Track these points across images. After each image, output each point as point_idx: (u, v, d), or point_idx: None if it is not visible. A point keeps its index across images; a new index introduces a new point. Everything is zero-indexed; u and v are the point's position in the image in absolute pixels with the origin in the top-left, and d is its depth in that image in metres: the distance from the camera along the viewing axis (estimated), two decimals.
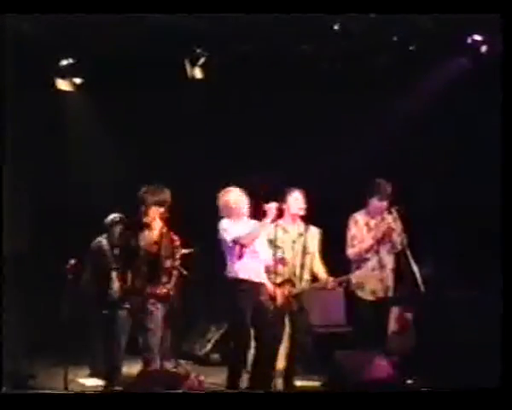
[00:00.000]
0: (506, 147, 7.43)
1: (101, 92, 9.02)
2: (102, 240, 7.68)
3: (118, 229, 7.52)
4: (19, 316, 7.33)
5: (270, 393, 6.71)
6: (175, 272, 8.08)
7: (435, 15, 7.57)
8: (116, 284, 6.88)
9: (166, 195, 6.78)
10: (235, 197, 6.91)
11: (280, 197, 7.10)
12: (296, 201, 7.22)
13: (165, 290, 6.74)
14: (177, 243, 6.89)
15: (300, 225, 7.32)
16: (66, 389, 6.90)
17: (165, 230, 6.80)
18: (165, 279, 6.77)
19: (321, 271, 7.30)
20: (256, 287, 6.84)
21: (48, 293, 8.17)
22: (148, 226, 6.76)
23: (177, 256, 6.87)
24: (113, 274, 6.90)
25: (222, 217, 6.92)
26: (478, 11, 6.63)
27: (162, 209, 6.76)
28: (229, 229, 6.82)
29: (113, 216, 7.66)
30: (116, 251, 6.84)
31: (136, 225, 6.79)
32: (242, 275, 6.80)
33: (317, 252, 7.37)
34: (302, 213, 7.26)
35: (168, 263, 6.79)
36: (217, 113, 9.33)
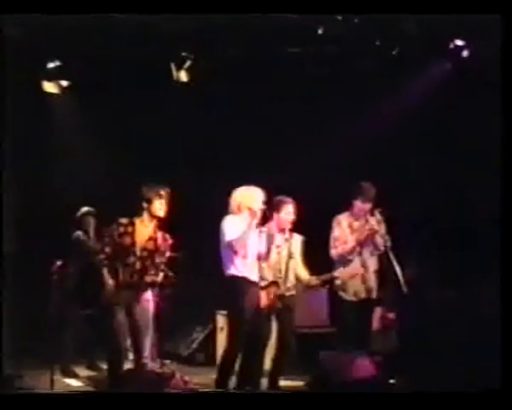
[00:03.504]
0: (489, 148, 7.51)
1: (87, 94, 9.05)
2: (79, 233, 7.99)
3: (91, 220, 7.90)
4: (5, 317, 7.31)
5: (256, 393, 6.74)
6: (161, 274, 8.23)
7: (418, 20, 7.67)
8: (110, 281, 6.72)
9: (166, 193, 6.81)
10: (253, 197, 6.84)
11: (272, 204, 7.15)
12: (288, 214, 7.26)
13: (157, 281, 6.87)
14: (170, 241, 6.92)
15: (286, 233, 7.39)
16: (52, 389, 6.91)
17: (158, 227, 6.87)
18: (155, 272, 6.81)
19: (304, 273, 7.38)
20: (251, 285, 6.83)
21: (34, 294, 8.19)
22: (143, 223, 6.79)
23: (168, 254, 6.93)
24: (105, 270, 6.74)
25: (228, 213, 6.88)
26: (478, 12, 6.64)
27: (160, 207, 6.79)
28: (231, 228, 6.77)
29: (84, 209, 7.95)
30: (108, 248, 6.72)
31: (130, 222, 6.78)
32: (238, 273, 6.79)
33: (300, 256, 7.44)
34: (291, 225, 7.33)
35: (161, 258, 6.86)
36: (202, 115, 9.37)
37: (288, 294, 7.29)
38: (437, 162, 9.05)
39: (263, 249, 6.89)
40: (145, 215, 6.76)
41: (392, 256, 7.22)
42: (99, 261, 6.74)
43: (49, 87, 8.96)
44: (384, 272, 7.52)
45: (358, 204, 7.56)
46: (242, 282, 6.78)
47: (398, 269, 7.15)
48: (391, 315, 8.24)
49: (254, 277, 6.86)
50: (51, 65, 8.66)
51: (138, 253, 6.73)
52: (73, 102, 9.22)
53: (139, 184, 6.90)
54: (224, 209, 6.91)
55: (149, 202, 6.72)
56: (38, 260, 7.83)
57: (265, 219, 7.00)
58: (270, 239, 7.12)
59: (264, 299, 7.07)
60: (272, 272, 7.26)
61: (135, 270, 6.73)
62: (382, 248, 7.42)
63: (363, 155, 8.96)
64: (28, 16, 6.98)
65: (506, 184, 6.04)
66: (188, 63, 8.66)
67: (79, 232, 8.06)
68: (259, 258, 6.91)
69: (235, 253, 6.76)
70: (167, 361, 8.39)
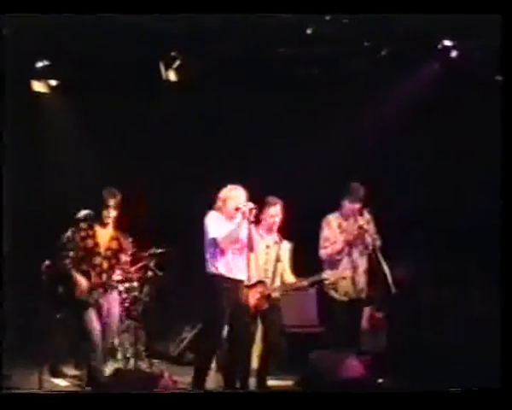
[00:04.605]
0: (483, 148, 7.61)
1: (76, 94, 8.99)
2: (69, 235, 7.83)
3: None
4: None
5: (244, 393, 6.74)
6: (149, 273, 8.22)
7: (409, 20, 7.64)
8: (84, 281, 7.02)
9: (120, 197, 7.17)
10: (237, 196, 6.87)
11: (260, 204, 7.12)
12: (273, 216, 7.28)
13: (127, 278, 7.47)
14: (130, 239, 7.35)
15: (275, 235, 7.41)
16: (40, 389, 6.92)
17: (118, 228, 7.26)
18: (121, 273, 7.29)
19: (291, 280, 7.40)
20: (235, 285, 6.84)
21: (23, 294, 8.15)
22: (105, 225, 7.17)
23: (130, 252, 7.39)
24: (75, 273, 7.04)
25: (212, 209, 6.92)
26: (478, 12, 6.66)
27: (118, 210, 7.16)
28: (215, 224, 6.81)
29: (85, 212, 7.77)
30: (72, 253, 7.08)
31: (89, 226, 7.20)
32: (222, 271, 6.81)
33: (288, 263, 7.46)
34: (278, 225, 7.34)
35: (127, 257, 7.30)
36: (192, 115, 9.33)
37: (275, 294, 7.29)
38: (428, 161, 9.06)
39: (250, 248, 6.84)
40: (103, 217, 7.15)
41: (380, 256, 7.22)
42: (65, 266, 7.04)
43: (38, 86, 8.93)
44: (373, 271, 7.49)
45: (347, 204, 7.56)
46: (223, 280, 6.80)
47: (386, 269, 7.14)
48: (380, 315, 8.24)
49: (238, 275, 6.85)
50: (40, 64, 8.63)
51: (103, 253, 7.15)
52: (62, 101, 9.18)
53: (128, 182, 7.11)
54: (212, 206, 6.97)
55: (106, 204, 7.10)
56: (30, 260, 7.75)
57: (255, 218, 6.98)
58: (258, 239, 7.11)
59: (250, 298, 7.06)
60: (260, 272, 7.24)
61: (102, 270, 7.11)
62: (371, 247, 7.39)
63: (352, 155, 8.95)
64: (16, 15, 6.92)
65: (503, 182, 6.01)
66: (177, 63, 8.64)
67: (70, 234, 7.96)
68: (247, 256, 6.85)
69: (220, 250, 6.78)
70: (156, 361, 8.37)
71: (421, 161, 9.12)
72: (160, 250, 8.31)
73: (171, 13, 7.09)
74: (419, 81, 8.79)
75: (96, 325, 7.01)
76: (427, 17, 7.29)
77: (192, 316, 8.94)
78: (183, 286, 9.03)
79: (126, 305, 8.48)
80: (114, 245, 7.20)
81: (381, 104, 9.07)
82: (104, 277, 7.09)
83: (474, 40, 8.16)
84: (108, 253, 7.17)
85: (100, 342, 7.05)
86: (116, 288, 7.32)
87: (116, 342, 8.53)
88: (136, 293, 8.44)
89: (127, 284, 8.32)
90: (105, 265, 7.14)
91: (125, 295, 8.38)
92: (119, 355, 8.41)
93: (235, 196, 6.88)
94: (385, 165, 9.06)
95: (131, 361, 8.11)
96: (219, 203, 6.94)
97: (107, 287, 7.12)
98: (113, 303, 7.20)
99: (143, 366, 8.15)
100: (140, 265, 8.36)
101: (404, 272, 7.87)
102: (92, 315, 7.01)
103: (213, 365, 7.28)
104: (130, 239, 7.33)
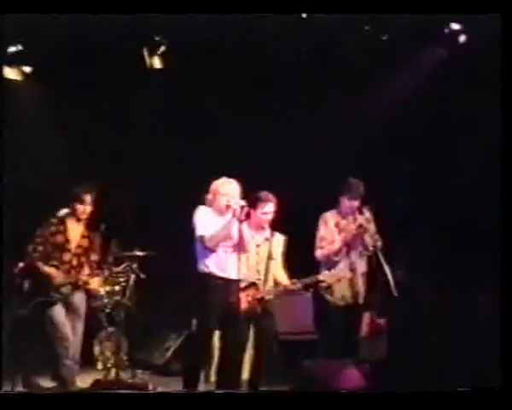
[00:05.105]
0: (486, 144, 7.54)
1: (52, 82, 8.77)
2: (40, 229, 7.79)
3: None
4: None
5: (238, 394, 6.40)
6: (132, 275, 7.95)
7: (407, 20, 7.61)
8: (56, 274, 7.06)
9: (95, 194, 7.23)
10: (229, 191, 6.60)
11: (251, 200, 6.84)
12: (265, 214, 7.02)
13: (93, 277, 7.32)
14: (99, 239, 7.35)
15: (266, 231, 7.18)
16: None
17: (90, 226, 7.33)
18: (90, 271, 7.23)
19: (284, 278, 7.18)
20: (227, 284, 6.56)
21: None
22: (78, 221, 7.22)
23: (97, 249, 7.37)
24: (44, 267, 7.05)
25: (203, 202, 6.69)
26: (478, 11, 6.68)
27: (91, 207, 7.22)
28: (203, 221, 6.57)
29: (65, 211, 7.54)
30: (41, 247, 7.08)
31: (61, 221, 7.20)
32: (213, 270, 6.56)
33: (281, 258, 7.24)
34: (269, 224, 7.12)
35: (96, 257, 7.29)
36: (178, 105, 9.12)
37: (268, 297, 7.08)
38: (429, 158, 8.86)
39: (241, 247, 6.56)
40: (78, 213, 7.19)
41: (381, 257, 7.02)
42: (34, 261, 7.04)
43: (11, 73, 8.65)
44: (373, 274, 7.27)
45: (346, 201, 7.33)
46: (213, 279, 6.55)
47: (388, 271, 6.94)
48: (380, 320, 7.98)
49: (231, 274, 6.59)
50: (13, 49, 8.36)
51: (73, 250, 7.18)
52: (37, 89, 8.91)
53: (108, 175, 7.24)
54: (199, 203, 6.75)
55: (81, 200, 7.14)
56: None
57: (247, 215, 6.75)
58: (248, 237, 6.80)
59: (242, 302, 6.81)
60: (251, 272, 7.02)
61: (72, 266, 7.15)
62: (371, 248, 7.19)
63: (351, 150, 8.71)
64: None
65: (504, 180, 5.90)
66: (162, 49, 8.42)
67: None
68: (237, 255, 6.58)
69: (208, 248, 6.55)
70: (139, 371, 8.14)
71: (420, 160, 8.94)
72: (143, 253, 8.11)
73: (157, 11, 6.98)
74: (422, 70, 8.60)
75: (64, 320, 7.03)
76: (426, 17, 7.32)
77: (179, 321, 8.69)
78: (170, 289, 8.88)
79: (107, 311, 8.33)
80: (85, 243, 7.23)
81: (379, 99, 8.88)
82: (73, 274, 7.13)
83: (474, 37, 8.09)
84: (79, 250, 7.19)
85: (71, 338, 7.04)
86: (85, 286, 7.23)
87: (96, 350, 8.42)
88: (118, 297, 8.25)
89: (108, 288, 8.18)
90: (74, 262, 7.16)
91: (106, 300, 8.25)
92: (100, 365, 8.29)
93: (227, 191, 6.62)
94: (384, 160, 8.89)
95: (112, 372, 7.91)
96: (210, 196, 6.70)
97: (76, 285, 7.13)
98: (80, 302, 7.21)
99: (126, 376, 7.88)
100: (122, 267, 8.19)
101: (404, 274, 7.67)
102: (60, 311, 7.01)
103: (202, 374, 7.07)
104: (100, 240, 7.33)
